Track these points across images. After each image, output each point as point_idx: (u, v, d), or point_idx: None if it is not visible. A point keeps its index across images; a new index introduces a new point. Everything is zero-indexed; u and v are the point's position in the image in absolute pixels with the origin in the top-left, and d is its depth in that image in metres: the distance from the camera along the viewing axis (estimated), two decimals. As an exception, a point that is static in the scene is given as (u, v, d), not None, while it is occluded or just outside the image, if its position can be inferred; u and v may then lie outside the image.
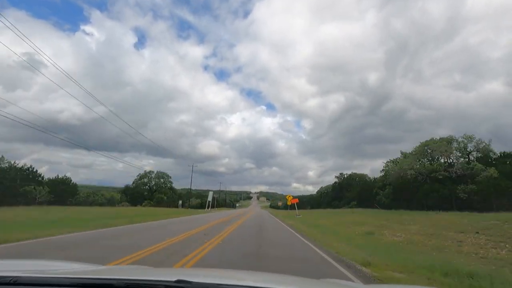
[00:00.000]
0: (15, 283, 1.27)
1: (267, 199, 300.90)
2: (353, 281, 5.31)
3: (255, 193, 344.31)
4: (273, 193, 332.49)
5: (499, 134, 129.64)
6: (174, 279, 1.32)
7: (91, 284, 1.33)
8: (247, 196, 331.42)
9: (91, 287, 1.31)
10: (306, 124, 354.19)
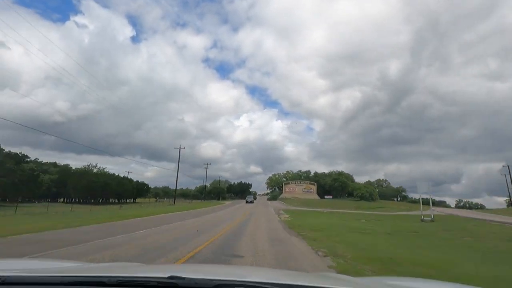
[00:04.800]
0: (3, 283, 1.26)
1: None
2: None
3: (260, 195, 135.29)
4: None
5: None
6: (166, 275, 1.31)
7: (82, 282, 1.31)
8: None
9: (82, 285, 1.29)
10: (316, 125, 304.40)
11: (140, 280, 1.32)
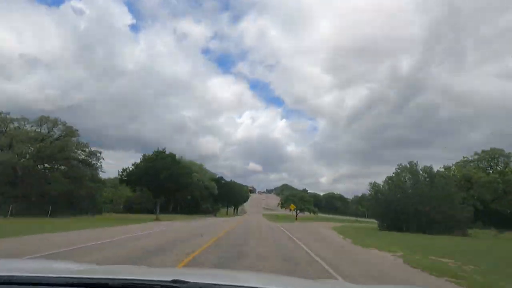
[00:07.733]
0: (9, 282, 1.28)
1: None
2: None
3: (260, 192, 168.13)
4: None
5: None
6: (170, 278, 1.31)
7: (85, 283, 1.32)
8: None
9: (85, 287, 1.30)
10: (320, 124, 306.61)
11: (144, 283, 1.32)
